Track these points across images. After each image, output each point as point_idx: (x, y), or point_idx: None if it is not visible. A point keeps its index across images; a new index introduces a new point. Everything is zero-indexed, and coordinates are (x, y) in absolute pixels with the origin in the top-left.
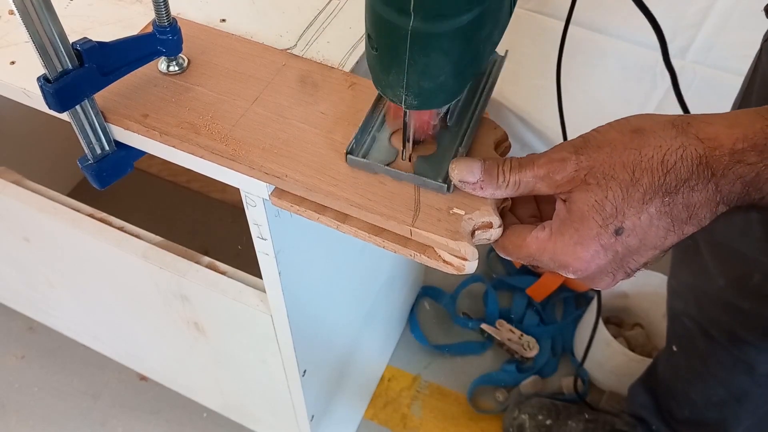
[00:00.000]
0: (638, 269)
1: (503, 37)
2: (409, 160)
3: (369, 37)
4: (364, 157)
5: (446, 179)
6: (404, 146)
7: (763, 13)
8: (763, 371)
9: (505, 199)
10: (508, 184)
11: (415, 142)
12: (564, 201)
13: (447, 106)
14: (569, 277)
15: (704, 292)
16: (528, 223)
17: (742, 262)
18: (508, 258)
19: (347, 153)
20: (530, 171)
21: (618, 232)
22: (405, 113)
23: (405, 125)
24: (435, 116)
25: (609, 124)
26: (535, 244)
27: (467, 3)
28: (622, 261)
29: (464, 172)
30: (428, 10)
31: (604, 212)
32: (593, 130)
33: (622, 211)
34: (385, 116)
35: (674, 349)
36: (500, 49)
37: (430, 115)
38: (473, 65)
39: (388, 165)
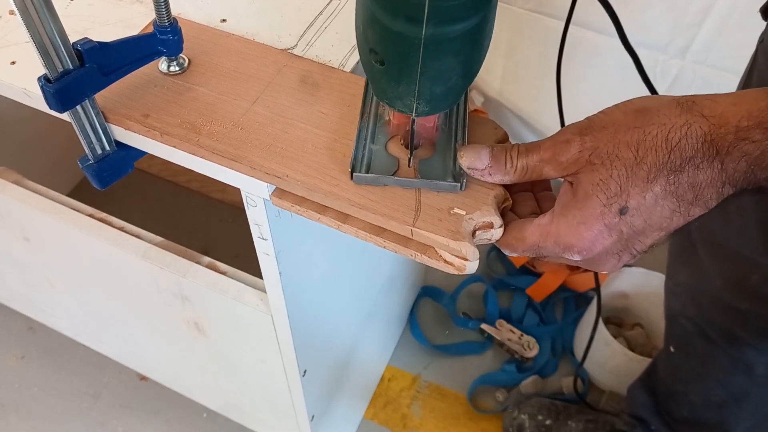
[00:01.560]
0: (644, 251)
1: (503, 37)
2: (408, 166)
3: (372, 52)
4: (367, 171)
5: (457, 178)
6: (411, 153)
7: (760, 15)
8: (762, 372)
9: (506, 199)
10: (516, 170)
11: (417, 147)
12: (571, 184)
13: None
14: (575, 259)
15: (702, 292)
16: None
17: (739, 263)
18: (514, 254)
19: (352, 171)
20: (536, 155)
21: (622, 211)
22: (413, 121)
23: (413, 132)
24: (438, 119)
25: (614, 105)
26: (538, 231)
27: (479, 3)
28: (627, 242)
29: (473, 158)
30: (441, 16)
31: (608, 191)
32: (599, 111)
33: (627, 191)
34: (385, 126)
35: (672, 349)
36: (500, 50)
37: (435, 118)
38: (479, 62)
39: (393, 174)
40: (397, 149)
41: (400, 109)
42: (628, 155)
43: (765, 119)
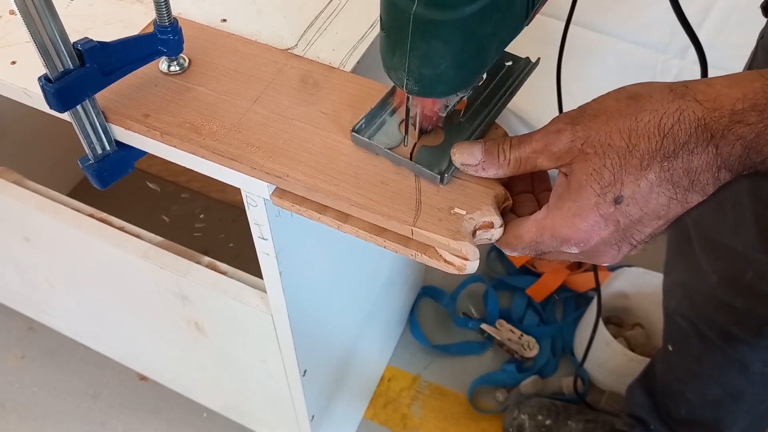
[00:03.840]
0: (644, 241)
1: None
2: (413, 149)
3: (380, 17)
4: (369, 138)
5: (442, 171)
6: (407, 131)
7: (761, 11)
8: (757, 370)
9: (506, 198)
10: (509, 163)
11: (424, 132)
12: (566, 175)
13: (457, 99)
14: (573, 252)
15: (697, 290)
16: None
17: (734, 260)
18: (514, 253)
19: (353, 131)
20: (529, 146)
21: (617, 200)
22: (408, 98)
23: (408, 110)
24: (442, 106)
25: (607, 93)
26: (535, 227)
27: None
28: (625, 232)
29: (465, 154)
30: None
31: (602, 180)
32: (592, 100)
33: (621, 179)
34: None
35: (669, 348)
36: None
37: (434, 103)
38: (476, 60)
39: (390, 149)
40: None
41: (394, 80)
42: (620, 143)
43: (759, 101)
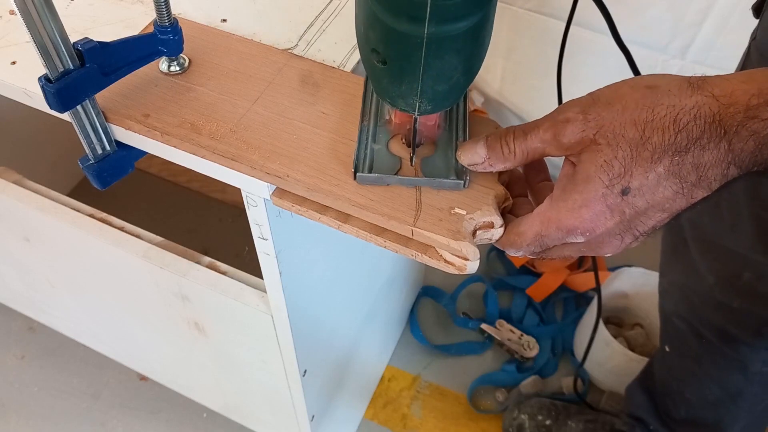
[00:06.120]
0: (646, 233)
1: (503, 37)
2: (411, 164)
3: (374, 52)
4: (370, 171)
5: (459, 175)
6: (414, 152)
7: (751, 12)
8: (756, 369)
9: (506, 198)
10: (515, 155)
11: (418, 146)
12: (573, 164)
13: None
14: (579, 241)
15: (694, 291)
16: None
17: (731, 260)
18: (518, 253)
19: (355, 171)
20: (536, 137)
21: (624, 192)
22: (415, 119)
23: (415, 131)
24: (439, 116)
25: (622, 80)
26: (539, 219)
27: (480, 1)
28: (630, 223)
29: (469, 154)
30: (443, 15)
31: (612, 172)
32: (604, 87)
33: (630, 171)
34: (387, 125)
35: (667, 349)
36: (500, 50)
37: (436, 116)
38: (480, 59)
39: (396, 173)
40: (398, 148)
41: (403, 108)
42: (633, 135)
43: None
